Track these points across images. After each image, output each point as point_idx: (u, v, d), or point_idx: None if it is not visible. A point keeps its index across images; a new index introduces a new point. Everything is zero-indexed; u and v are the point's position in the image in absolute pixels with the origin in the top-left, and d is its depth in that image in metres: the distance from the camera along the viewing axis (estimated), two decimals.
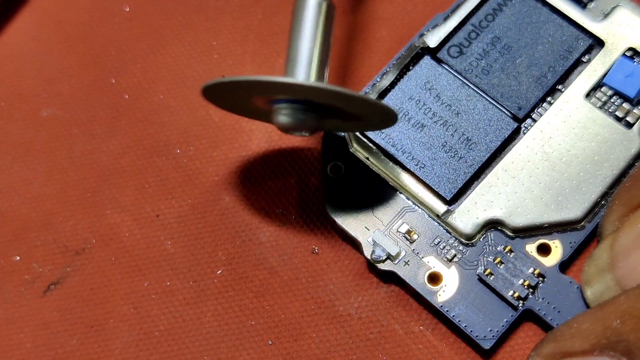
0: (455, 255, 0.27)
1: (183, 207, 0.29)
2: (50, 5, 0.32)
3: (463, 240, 0.27)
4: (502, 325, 0.26)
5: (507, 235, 0.27)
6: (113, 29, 0.31)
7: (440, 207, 0.27)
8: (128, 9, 0.32)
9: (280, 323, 0.27)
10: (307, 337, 0.27)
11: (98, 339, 0.28)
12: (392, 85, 0.28)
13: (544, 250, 0.27)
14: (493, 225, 0.27)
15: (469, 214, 0.27)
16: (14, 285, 0.28)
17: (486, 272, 0.26)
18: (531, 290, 0.26)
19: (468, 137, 0.28)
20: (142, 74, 0.31)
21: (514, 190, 0.27)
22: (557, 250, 0.27)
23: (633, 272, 0.23)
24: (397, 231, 0.27)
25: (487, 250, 0.27)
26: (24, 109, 0.31)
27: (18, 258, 0.29)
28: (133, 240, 0.29)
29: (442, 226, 0.27)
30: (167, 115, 0.30)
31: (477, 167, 0.27)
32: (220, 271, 0.28)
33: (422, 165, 0.27)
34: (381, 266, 0.27)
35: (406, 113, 0.28)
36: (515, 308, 0.26)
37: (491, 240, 0.27)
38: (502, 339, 0.27)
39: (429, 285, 0.27)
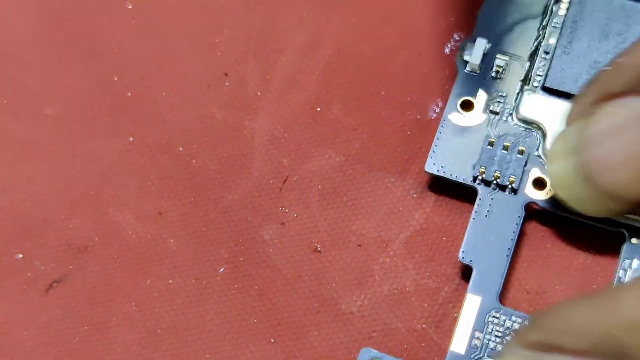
0: None
1: (185, 205, 0.29)
2: (53, 2, 0.32)
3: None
4: None
5: None
6: (116, 27, 0.31)
7: None
8: (131, 7, 0.32)
9: (283, 321, 0.27)
10: (309, 335, 0.27)
11: (100, 337, 0.28)
12: None
13: (540, 184, 0.27)
14: None
15: None
16: (16, 283, 0.28)
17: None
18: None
19: None
20: (144, 71, 0.31)
21: None
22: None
23: (598, 162, 0.23)
24: None
25: None
26: (27, 107, 0.31)
27: (20, 256, 0.29)
28: (135, 238, 0.29)
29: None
30: (170, 113, 0.30)
31: None
32: (222, 269, 0.28)
33: None
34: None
35: None
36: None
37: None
38: None
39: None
